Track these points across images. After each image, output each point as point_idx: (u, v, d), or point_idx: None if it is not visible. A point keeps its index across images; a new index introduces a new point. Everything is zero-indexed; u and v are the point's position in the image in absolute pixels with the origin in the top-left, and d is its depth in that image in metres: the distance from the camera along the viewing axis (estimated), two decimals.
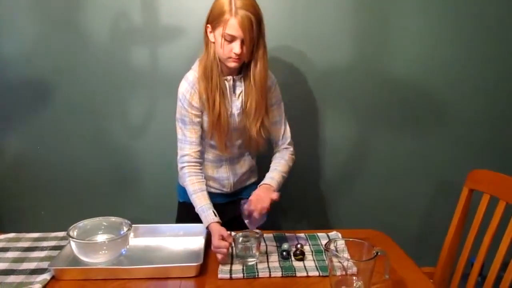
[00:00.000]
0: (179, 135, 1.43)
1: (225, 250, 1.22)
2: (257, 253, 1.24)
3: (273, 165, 1.50)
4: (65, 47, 1.90)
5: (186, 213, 1.49)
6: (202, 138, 1.44)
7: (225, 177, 1.53)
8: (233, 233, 1.29)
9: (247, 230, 1.32)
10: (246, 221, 1.35)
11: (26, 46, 1.89)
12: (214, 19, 1.29)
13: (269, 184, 1.40)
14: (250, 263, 1.22)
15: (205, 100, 1.37)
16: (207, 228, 1.32)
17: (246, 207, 1.33)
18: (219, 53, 1.33)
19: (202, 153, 1.45)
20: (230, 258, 1.26)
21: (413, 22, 1.91)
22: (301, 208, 2.11)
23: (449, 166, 2.07)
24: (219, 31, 1.28)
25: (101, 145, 2.01)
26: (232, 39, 1.28)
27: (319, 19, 1.89)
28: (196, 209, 1.37)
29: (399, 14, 1.90)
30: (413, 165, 2.08)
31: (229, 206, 1.52)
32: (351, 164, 2.08)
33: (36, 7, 1.85)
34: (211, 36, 1.34)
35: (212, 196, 1.41)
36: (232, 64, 1.33)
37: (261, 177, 1.62)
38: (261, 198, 1.33)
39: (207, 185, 1.49)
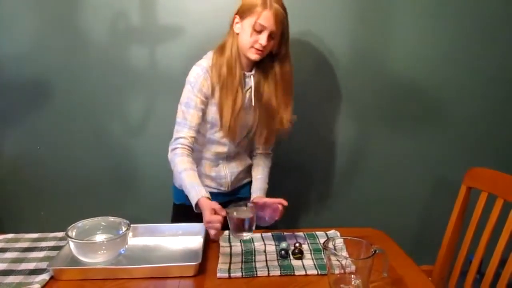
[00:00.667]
0: (179, 118, 1.43)
1: (218, 224, 1.19)
2: (252, 227, 1.22)
3: (263, 174, 1.56)
4: (64, 46, 1.90)
5: (182, 216, 1.49)
6: (200, 133, 1.46)
7: (223, 175, 1.54)
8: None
9: (239, 203, 1.31)
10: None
11: (25, 46, 1.89)
12: (246, 9, 1.33)
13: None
14: (245, 238, 1.21)
15: (224, 92, 1.38)
16: (196, 205, 1.30)
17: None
18: (243, 43, 1.36)
19: (195, 142, 1.45)
20: (229, 257, 1.26)
21: (411, 21, 1.92)
22: (299, 206, 2.11)
23: (447, 164, 2.08)
24: (249, 20, 1.33)
25: (100, 145, 2.01)
26: (261, 29, 1.32)
27: (317, 17, 1.89)
28: (184, 187, 1.36)
29: (398, 13, 1.90)
30: (411, 163, 2.08)
31: (227, 205, 1.52)
32: (349, 163, 2.08)
33: (35, 6, 1.85)
34: (237, 27, 1.37)
35: (210, 195, 1.42)
36: (253, 56, 1.36)
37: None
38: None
39: (205, 184, 1.50)
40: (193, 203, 1.32)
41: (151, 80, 1.93)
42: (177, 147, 1.41)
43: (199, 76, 1.39)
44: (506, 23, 1.94)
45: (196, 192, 1.32)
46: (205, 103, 1.42)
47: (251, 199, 1.50)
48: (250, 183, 1.63)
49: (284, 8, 1.35)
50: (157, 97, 1.95)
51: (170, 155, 1.43)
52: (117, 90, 1.95)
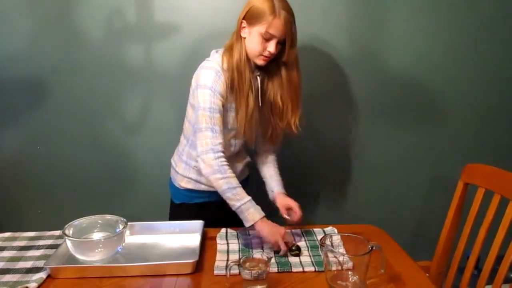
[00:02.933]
0: (208, 124, 1.33)
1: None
2: (266, 280, 1.10)
3: (274, 171, 1.58)
4: (60, 45, 1.89)
5: (181, 215, 1.49)
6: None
7: None
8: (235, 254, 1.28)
9: (252, 254, 1.21)
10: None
11: (20, 45, 1.88)
12: (254, 16, 1.30)
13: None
14: None
15: (236, 96, 1.37)
16: (253, 223, 1.29)
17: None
18: (251, 49, 1.34)
19: None
20: (226, 254, 1.27)
21: (409, 19, 1.91)
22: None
23: (444, 161, 2.08)
24: (257, 28, 1.29)
25: (97, 144, 2.00)
26: (270, 38, 1.29)
27: (315, 17, 1.89)
28: (239, 204, 1.29)
29: (395, 11, 1.90)
30: (409, 160, 2.08)
31: (225, 204, 1.52)
32: (346, 160, 2.08)
33: (30, 5, 1.84)
34: (244, 32, 1.34)
35: (210, 195, 1.43)
36: (260, 62, 1.35)
37: (252, 172, 1.62)
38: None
39: (207, 185, 1.49)
40: (254, 220, 1.29)
41: (148, 78, 1.93)
42: (221, 156, 1.33)
43: (216, 80, 1.34)
44: (504, 20, 1.94)
45: (257, 209, 1.31)
46: (224, 105, 1.38)
47: (274, 194, 1.51)
48: (246, 179, 1.64)
49: (291, 13, 1.30)
50: (154, 95, 1.95)
51: (212, 162, 1.32)
52: (114, 88, 1.95)
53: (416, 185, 2.12)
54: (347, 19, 1.91)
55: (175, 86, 1.91)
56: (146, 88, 1.94)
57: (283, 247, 1.24)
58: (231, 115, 1.42)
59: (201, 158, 1.34)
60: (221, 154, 1.33)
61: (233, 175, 1.34)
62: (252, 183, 1.63)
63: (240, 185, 1.33)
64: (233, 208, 1.31)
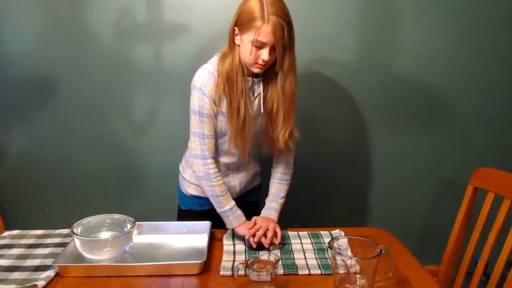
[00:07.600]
0: (196, 129, 1.35)
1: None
2: (274, 281, 1.09)
3: (277, 188, 1.50)
4: (70, 44, 1.90)
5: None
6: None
7: (233, 185, 1.50)
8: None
9: (260, 254, 1.22)
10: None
11: (30, 44, 1.90)
12: (244, 23, 1.24)
13: (272, 219, 1.42)
14: None
15: (227, 103, 1.33)
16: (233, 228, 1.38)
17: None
18: (245, 58, 1.29)
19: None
20: (233, 255, 1.27)
21: (416, 21, 1.91)
22: (303, 206, 2.10)
23: (453, 164, 2.06)
24: (248, 36, 1.24)
25: (105, 143, 2.01)
26: (262, 45, 1.24)
27: (323, 19, 1.88)
28: (222, 209, 1.38)
29: (403, 14, 1.89)
30: (418, 163, 2.07)
31: None
32: (354, 162, 2.08)
33: (40, 4, 1.86)
34: (237, 39, 1.30)
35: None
36: (256, 70, 1.30)
37: (263, 180, 1.61)
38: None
39: None
40: (234, 226, 1.38)
41: (157, 78, 1.93)
42: (209, 162, 1.37)
43: (206, 81, 1.32)
44: (510, 22, 1.92)
45: (237, 217, 1.38)
46: (215, 109, 1.35)
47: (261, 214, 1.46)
48: (256, 187, 1.62)
49: (285, 18, 1.22)
50: (163, 95, 1.96)
51: (202, 168, 1.37)
52: (123, 88, 1.96)
53: (425, 189, 2.10)
54: (354, 21, 1.90)
55: (184, 87, 1.89)
56: (155, 88, 1.95)
57: (247, 236, 1.31)
58: (223, 121, 1.37)
59: (191, 161, 1.41)
60: (210, 160, 1.37)
61: (218, 182, 1.38)
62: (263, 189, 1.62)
63: (224, 193, 1.38)
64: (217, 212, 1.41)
